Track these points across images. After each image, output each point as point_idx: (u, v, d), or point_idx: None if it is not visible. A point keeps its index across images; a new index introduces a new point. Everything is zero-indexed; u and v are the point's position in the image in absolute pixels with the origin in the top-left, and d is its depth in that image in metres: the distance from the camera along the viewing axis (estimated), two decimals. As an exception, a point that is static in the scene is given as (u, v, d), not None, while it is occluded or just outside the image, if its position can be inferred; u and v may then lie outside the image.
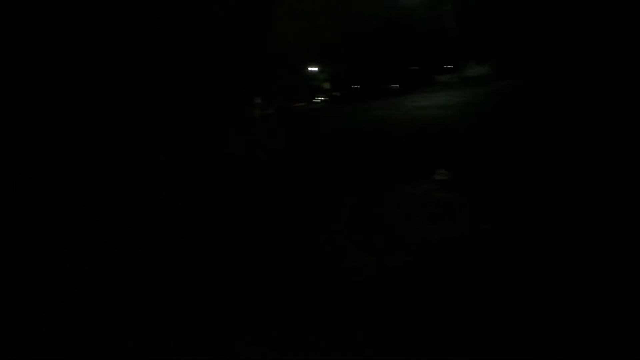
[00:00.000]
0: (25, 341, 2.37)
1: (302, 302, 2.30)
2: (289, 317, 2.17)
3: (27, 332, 2.44)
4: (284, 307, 2.28)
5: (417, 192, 3.82)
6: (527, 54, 24.22)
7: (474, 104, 10.85)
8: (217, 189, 5.89)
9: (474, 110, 9.59)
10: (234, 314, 2.30)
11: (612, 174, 3.41)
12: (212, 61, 23.60)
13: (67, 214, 5.04)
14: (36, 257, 3.72)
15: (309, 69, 57.70)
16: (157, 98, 18.22)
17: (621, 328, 1.64)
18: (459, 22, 23.82)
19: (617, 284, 1.94)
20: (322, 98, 62.93)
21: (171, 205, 5.18)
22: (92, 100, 14.40)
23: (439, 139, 6.27)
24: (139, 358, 2.07)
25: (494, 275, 2.20)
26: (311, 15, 39.41)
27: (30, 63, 12.95)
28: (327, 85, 54.48)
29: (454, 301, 2.03)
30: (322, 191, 4.51)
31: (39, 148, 10.63)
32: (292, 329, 2.05)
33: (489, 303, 1.97)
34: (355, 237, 3.08)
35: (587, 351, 1.55)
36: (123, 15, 15.86)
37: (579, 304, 1.87)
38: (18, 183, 7.13)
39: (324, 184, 4.79)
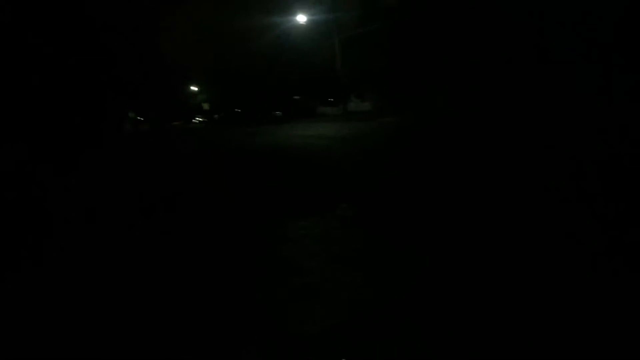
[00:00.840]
0: None
1: None
2: None
3: None
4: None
5: (319, 229, 2.88)
6: (410, 92, 25.36)
7: (361, 137, 10.47)
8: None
9: (362, 142, 9.13)
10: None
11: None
12: (83, 68, 21.09)
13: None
14: None
15: (190, 88, 55.52)
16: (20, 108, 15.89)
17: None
18: (344, 57, 24.12)
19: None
20: (201, 119, 60.95)
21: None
22: None
23: (331, 170, 5.48)
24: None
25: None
26: (197, 34, 37.92)
27: None
28: (206, 106, 52.74)
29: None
30: (196, 224, 3.38)
31: None
32: None
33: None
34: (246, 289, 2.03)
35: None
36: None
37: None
38: None
39: (199, 216, 3.65)
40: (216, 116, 44.71)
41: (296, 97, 39.69)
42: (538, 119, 9.76)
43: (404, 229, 2.68)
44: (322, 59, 31.85)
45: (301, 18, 25.50)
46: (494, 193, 3.51)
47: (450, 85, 24.23)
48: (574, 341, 1.40)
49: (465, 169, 4.72)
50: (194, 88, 54.68)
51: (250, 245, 2.61)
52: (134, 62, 33.46)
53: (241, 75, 39.92)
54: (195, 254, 2.56)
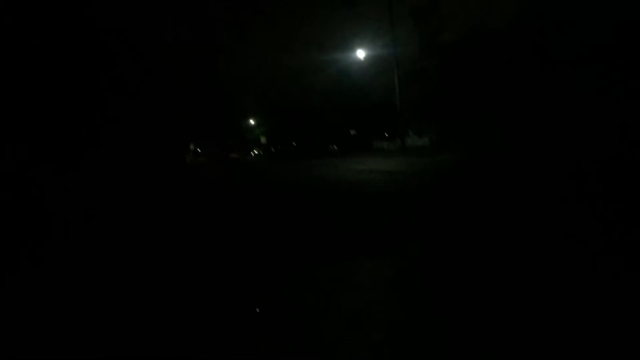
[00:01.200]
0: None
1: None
2: None
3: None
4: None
5: (389, 271, 2.54)
6: (469, 129, 24.71)
7: (417, 173, 10.07)
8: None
9: (418, 178, 8.74)
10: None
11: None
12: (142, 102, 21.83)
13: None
14: None
15: (248, 121, 57.10)
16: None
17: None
18: (403, 92, 23.92)
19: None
20: (258, 152, 62.32)
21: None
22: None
23: (395, 206, 5.14)
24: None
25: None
26: (258, 68, 39.17)
27: None
28: (263, 140, 53.88)
29: None
30: (252, 263, 3.12)
31: None
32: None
33: None
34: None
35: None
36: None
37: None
38: None
39: (256, 254, 3.40)
40: (273, 148, 45.35)
41: (352, 132, 39.70)
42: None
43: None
44: (380, 94, 31.88)
45: (360, 54, 25.70)
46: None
47: (508, 121, 23.47)
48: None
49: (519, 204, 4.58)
50: (252, 121, 56.18)
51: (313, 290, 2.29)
52: (197, 95, 34.74)
53: (299, 109, 40.62)
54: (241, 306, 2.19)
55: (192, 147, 48.75)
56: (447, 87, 26.29)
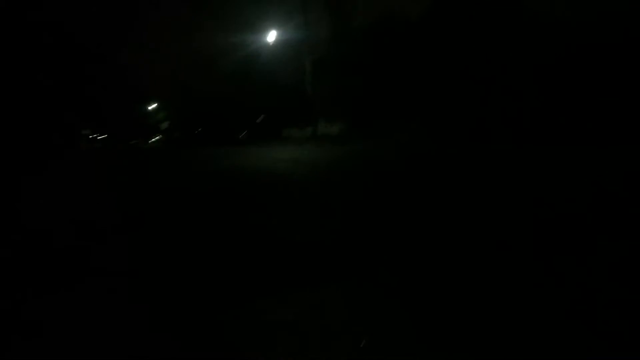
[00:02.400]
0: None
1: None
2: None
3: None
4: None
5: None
6: (382, 118, 24.70)
7: (338, 163, 9.46)
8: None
9: (341, 169, 8.10)
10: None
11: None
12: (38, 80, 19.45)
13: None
14: None
15: (147, 106, 53.28)
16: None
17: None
18: (314, 79, 23.25)
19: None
20: (158, 138, 58.52)
21: None
22: None
23: (318, 205, 4.42)
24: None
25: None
26: (159, 51, 36.28)
27: None
28: (165, 125, 50.60)
29: None
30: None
31: None
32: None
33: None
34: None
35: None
36: None
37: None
38: None
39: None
40: (176, 134, 42.83)
41: (259, 119, 38.47)
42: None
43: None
44: (290, 81, 31.00)
45: (270, 36, 24.53)
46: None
47: (421, 113, 23.79)
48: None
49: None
50: (151, 106, 52.57)
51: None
52: (93, 79, 31.87)
53: (203, 94, 38.46)
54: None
55: (87, 132, 44.94)
56: (360, 75, 26.10)
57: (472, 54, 21.24)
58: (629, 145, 9.16)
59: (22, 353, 1.80)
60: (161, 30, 32.24)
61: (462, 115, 21.19)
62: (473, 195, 4.82)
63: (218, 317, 1.91)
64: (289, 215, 3.94)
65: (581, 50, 17.64)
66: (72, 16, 22.77)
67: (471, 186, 5.41)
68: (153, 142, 57.30)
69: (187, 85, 39.68)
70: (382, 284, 2.28)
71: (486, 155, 9.14)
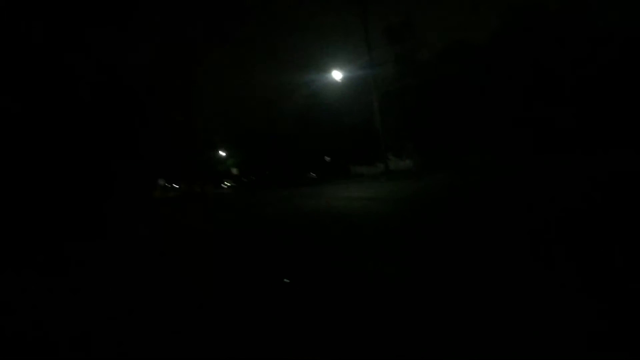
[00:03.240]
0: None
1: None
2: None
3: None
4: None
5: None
6: (453, 150, 23.57)
7: (419, 198, 8.53)
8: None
9: (424, 204, 7.17)
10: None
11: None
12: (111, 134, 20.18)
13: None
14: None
15: (218, 153, 55.04)
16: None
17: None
18: (380, 114, 22.65)
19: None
20: (230, 184, 60.05)
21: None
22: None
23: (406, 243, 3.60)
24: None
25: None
26: (225, 97, 37.46)
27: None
28: (235, 171, 51.86)
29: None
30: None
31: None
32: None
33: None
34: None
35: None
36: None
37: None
38: None
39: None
40: (247, 179, 43.42)
41: (327, 158, 38.21)
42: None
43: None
44: (356, 118, 30.58)
45: (336, 75, 24.33)
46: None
47: (494, 140, 22.56)
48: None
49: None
50: (222, 153, 54.21)
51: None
52: (163, 130, 33.08)
53: (271, 136, 38.96)
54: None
55: (162, 182, 46.82)
56: (427, 106, 25.29)
57: (539, 73, 20.11)
58: None
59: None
60: (225, 74, 33.16)
61: (531, 134, 20.04)
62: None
63: None
64: (375, 260, 3.14)
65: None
66: (137, 65, 23.68)
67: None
68: (225, 187, 58.80)
69: (253, 129, 40.51)
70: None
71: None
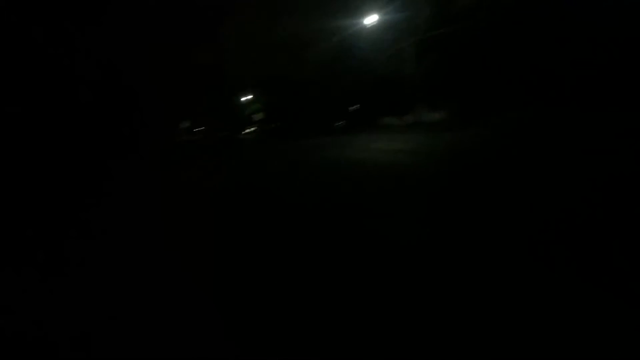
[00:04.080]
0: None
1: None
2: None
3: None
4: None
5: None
6: (486, 101, 22.52)
7: (450, 152, 7.95)
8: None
9: (456, 160, 6.61)
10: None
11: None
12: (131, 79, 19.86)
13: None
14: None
15: (241, 97, 54.30)
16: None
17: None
18: (413, 62, 21.55)
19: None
20: (254, 129, 59.54)
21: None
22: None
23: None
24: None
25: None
26: (251, 41, 36.26)
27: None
28: (260, 116, 51.16)
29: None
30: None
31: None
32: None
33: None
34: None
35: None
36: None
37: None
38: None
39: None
40: (272, 125, 42.83)
41: (354, 107, 37.24)
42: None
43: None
44: (386, 67, 29.38)
45: (369, 19, 23.01)
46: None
47: (532, 93, 21.38)
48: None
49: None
50: (247, 97, 53.48)
51: None
52: (187, 73, 32.67)
53: (298, 83, 37.97)
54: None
55: (186, 125, 46.88)
56: (463, 56, 24.00)
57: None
58: None
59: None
60: (254, 17, 31.97)
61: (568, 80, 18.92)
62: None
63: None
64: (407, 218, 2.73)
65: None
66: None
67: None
68: (247, 133, 58.54)
69: (280, 75, 39.46)
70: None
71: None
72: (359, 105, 36.28)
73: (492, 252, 2.14)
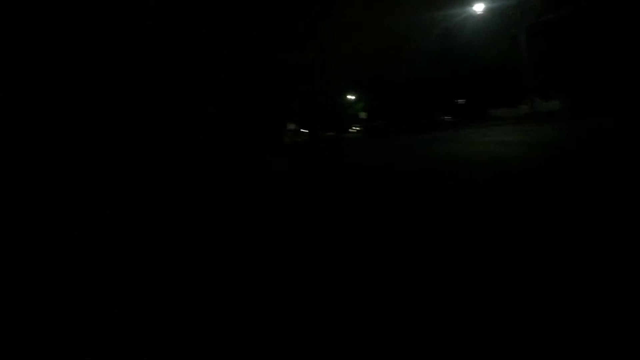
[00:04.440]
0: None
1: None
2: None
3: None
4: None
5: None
6: (608, 90, 20.73)
7: (578, 144, 7.56)
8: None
9: (589, 151, 6.29)
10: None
11: None
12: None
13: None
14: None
15: (345, 97, 55.06)
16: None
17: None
18: (526, 50, 20.51)
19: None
20: (358, 128, 59.96)
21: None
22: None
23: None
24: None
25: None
26: (354, 39, 36.48)
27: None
28: (363, 115, 51.48)
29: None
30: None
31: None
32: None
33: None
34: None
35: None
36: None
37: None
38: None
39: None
40: (377, 123, 42.81)
41: (461, 100, 36.18)
42: None
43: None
44: (493, 56, 28.17)
45: (478, 7, 22.33)
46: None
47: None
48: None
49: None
50: (350, 97, 54.15)
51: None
52: (295, 75, 33.59)
53: (403, 78, 37.67)
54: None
55: (291, 127, 48.31)
56: (579, 43, 22.34)
57: None
58: None
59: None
60: (356, 14, 31.98)
61: None
62: None
63: None
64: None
65: None
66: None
67: None
68: (352, 132, 59.17)
69: (384, 71, 39.43)
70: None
71: None
72: (465, 100, 35.15)
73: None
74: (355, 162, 10.00)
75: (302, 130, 56.37)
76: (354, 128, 60.06)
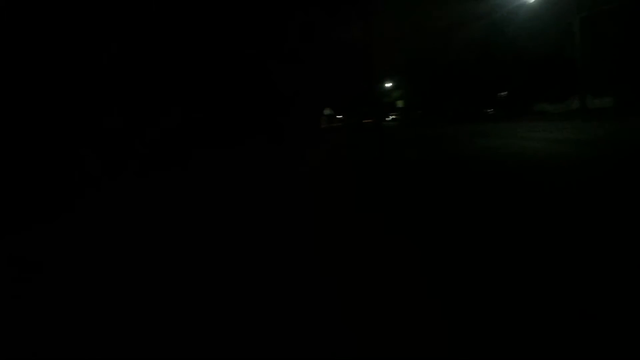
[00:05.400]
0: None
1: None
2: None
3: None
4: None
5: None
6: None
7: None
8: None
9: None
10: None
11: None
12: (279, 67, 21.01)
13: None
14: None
15: (383, 85, 54.20)
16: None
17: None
18: (580, 41, 19.34)
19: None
20: (394, 116, 59.09)
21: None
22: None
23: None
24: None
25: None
26: (395, 25, 35.58)
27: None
28: (400, 104, 50.67)
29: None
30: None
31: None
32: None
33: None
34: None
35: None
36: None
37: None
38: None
39: None
40: (415, 112, 41.96)
41: (504, 93, 34.84)
42: None
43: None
44: (540, 48, 26.83)
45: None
46: None
47: None
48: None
49: None
50: (387, 84, 53.27)
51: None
52: (330, 61, 33.08)
53: (444, 68, 36.58)
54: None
55: (328, 112, 47.95)
56: (634, 35, 21.00)
57: None
58: None
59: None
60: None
61: None
62: None
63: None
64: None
65: None
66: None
67: None
68: (389, 120, 58.23)
69: (425, 60, 38.36)
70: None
71: None
72: (507, 92, 33.66)
73: None
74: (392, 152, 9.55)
75: (337, 116, 55.68)
76: (391, 116, 59.08)
